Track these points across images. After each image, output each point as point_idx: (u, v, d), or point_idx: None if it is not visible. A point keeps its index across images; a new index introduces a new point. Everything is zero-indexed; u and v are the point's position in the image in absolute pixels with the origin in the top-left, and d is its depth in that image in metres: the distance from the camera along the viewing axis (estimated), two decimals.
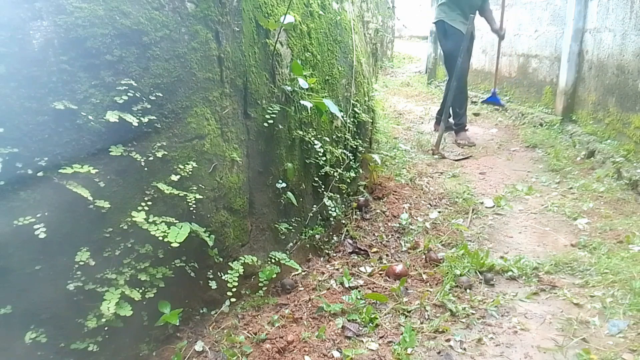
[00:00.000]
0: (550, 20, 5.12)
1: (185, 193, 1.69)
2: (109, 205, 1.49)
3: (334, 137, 2.79)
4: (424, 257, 2.52)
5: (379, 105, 4.80)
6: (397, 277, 2.30)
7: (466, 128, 4.94)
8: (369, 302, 2.09)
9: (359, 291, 2.18)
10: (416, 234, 2.81)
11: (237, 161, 1.97)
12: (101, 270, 1.51)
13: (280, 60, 2.23)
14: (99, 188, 1.48)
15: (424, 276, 2.33)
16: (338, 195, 2.81)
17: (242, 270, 1.93)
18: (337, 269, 2.42)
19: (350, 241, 2.69)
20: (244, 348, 1.78)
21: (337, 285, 2.27)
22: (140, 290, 1.58)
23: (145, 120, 1.56)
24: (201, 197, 1.76)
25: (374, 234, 2.81)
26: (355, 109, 3.07)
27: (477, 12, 4.71)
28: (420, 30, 13.60)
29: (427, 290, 2.20)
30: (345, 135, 2.92)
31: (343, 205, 2.88)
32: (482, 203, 3.26)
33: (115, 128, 1.49)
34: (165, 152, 1.65)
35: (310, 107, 2.36)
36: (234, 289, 1.85)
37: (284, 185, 2.26)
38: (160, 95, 1.62)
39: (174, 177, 1.67)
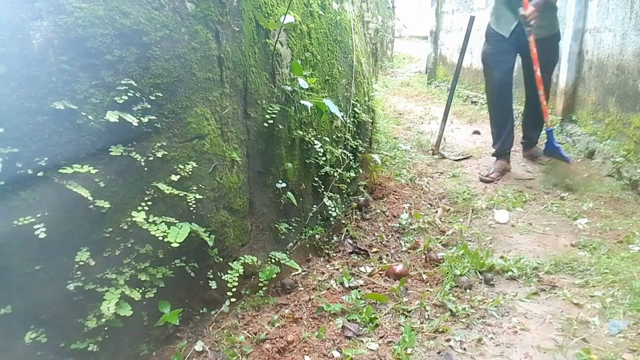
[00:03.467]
0: None
1: (185, 193, 1.69)
2: (109, 205, 1.49)
3: (334, 137, 2.79)
4: (424, 257, 2.52)
5: (379, 105, 4.79)
6: (397, 277, 2.30)
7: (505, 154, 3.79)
8: (369, 302, 2.09)
9: (359, 291, 2.18)
10: (416, 234, 2.81)
11: (237, 161, 1.97)
12: (101, 270, 1.51)
13: (280, 60, 2.23)
14: (99, 188, 1.48)
15: (424, 276, 2.33)
16: (338, 195, 2.81)
17: (242, 270, 1.93)
18: (337, 269, 2.42)
19: (350, 241, 2.68)
20: (244, 348, 1.78)
21: (337, 285, 2.27)
22: (140, 290, 1.58)
23: (145, 120, 1.56)
24: (201, 197, 1.76)
25: (374, 234, 2.81)
26: (355, 109, 3.07)
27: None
28: (420, 30, 13.58)
29: (427, 290, 2.20)
30: (345, 135, 2.92)
31: (343, 205, 2.88)
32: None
33: (115, 128, 1.49)
34: (165, 152, 1.65)
35: (310, 107, 2.36)
36: (234, 289, 1.85)
37: (284, 185, 2.26)
38: (160, 95, 1.62)
39: (174, 177, 1.67)
